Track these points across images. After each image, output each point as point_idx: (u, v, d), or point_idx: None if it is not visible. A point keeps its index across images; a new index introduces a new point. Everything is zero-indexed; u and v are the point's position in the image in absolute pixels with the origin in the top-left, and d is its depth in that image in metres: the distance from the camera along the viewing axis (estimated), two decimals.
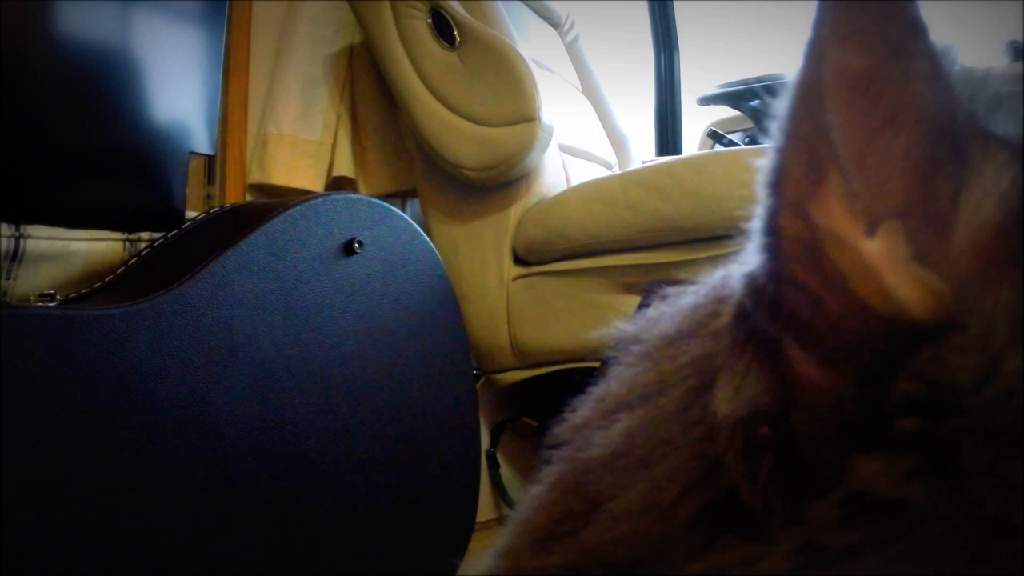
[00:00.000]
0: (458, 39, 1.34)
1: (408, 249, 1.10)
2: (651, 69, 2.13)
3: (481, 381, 1.38)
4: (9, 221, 0.84)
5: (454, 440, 1.15)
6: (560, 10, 1.91)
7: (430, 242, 1.17)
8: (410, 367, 1.07)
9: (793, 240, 0.13)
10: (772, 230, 0.13)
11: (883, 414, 0.12)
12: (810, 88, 0.13)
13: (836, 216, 0.12)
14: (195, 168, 1.25)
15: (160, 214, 1.01)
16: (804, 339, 0.13)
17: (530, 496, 0.20)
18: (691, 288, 0.20)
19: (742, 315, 0.14)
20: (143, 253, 0.95)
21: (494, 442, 1.46)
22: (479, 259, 1.36)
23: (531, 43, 1.65)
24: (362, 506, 0.98)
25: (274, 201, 1.04)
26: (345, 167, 1.48)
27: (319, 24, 1.47)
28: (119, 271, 0.93)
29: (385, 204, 1.09)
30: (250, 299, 0.88)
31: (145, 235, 0.99)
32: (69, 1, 0.91)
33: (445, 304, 1.16)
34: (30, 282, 0.87)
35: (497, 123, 1.29)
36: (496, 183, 1.33)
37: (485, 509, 1.33)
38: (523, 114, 1.28)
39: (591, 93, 1.90)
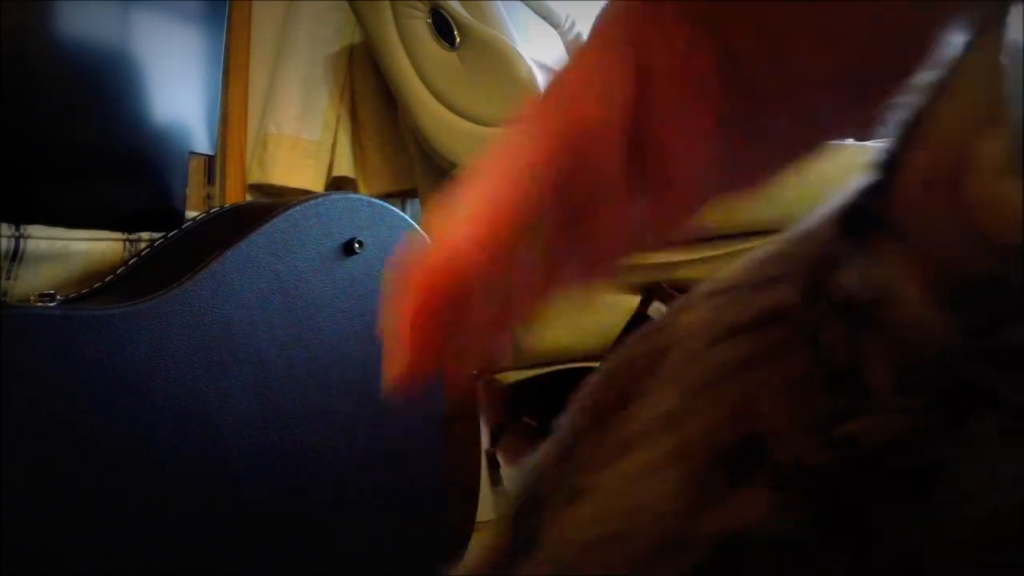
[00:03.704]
0: (458, 39, 1.34)
1: None
2: None
3: (481, 381, 1.38)
4: (9, 221, 0.84)
5: (454, 440, 1.15)
6: (560, 10, 1.91)
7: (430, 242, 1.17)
8: None
9: (921, 171, 0.16)
10: (895, 161, 0.16)
11: (988, 328, 0.15)
12: (992, 57, 0.15)
13: (995, 160, 0.15)
14: (195, 168, 1.25)
15: (160, 214, 1.01)
16: (911, 247, 0.15)
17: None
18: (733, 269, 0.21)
19: (858, 218, 0.16)
20: (143, 253, 0.95)
21: (494, 442, 1.46)
22: None
23: (531, 43, 1.65)
24: (362, 506, 0.98)
25: (274, 201, 1.04)
26: (345, 167, 1.48)
27: (319, 24, 1.47)
28: (119, 271, 0.93)
29: (385, 204, 1.09)
30: (250, 299, 0.88)
31: (145, 235, 0.99)
32: (69, 1, 0.91)
33: None
34: (30, 282, 0.87)
35: (497, 123, 1.29)
36: None
37: (485, 509, 1.33)
38: None
39: None
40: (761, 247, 0.21)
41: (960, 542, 0.14)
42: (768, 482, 0.16)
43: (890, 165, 0.17)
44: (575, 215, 0.18)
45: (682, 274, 1.13)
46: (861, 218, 0.17)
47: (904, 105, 0.17)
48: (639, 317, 1.11)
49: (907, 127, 0.17)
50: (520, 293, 0.20)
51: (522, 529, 0.21)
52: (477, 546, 0.22)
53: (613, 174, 0.18)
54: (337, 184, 1.49)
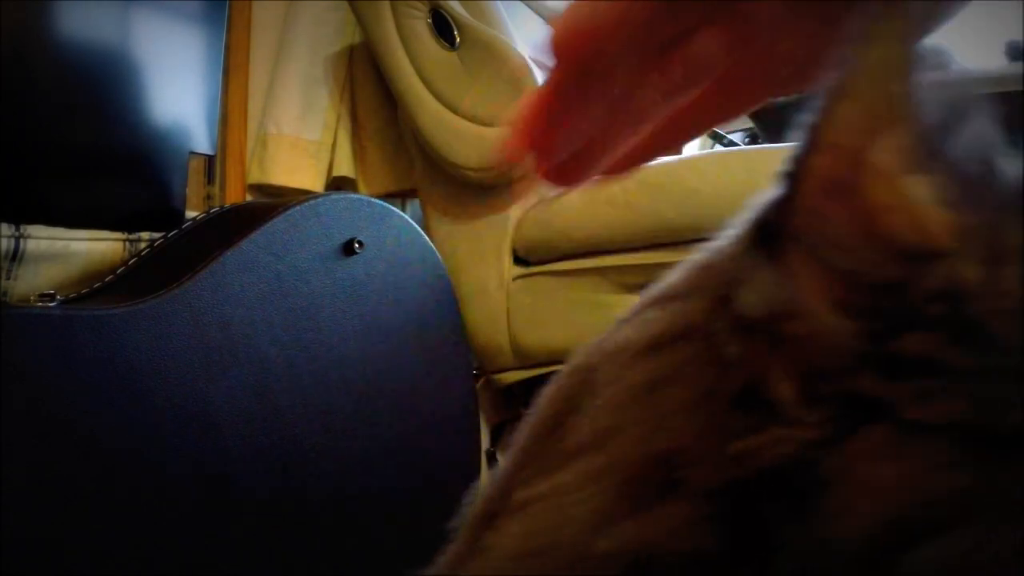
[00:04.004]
0: (458, 39, 1.34)
1: (408, 249, 1.10)
2: None
3: (481, 381, 1.38)
4: (9, 221, 0.84)
5: (454, 440, 1.15)
6: (560, 10, 1.91)
7: (430, 242, 1.17)
8: (410, 367, 1.07)
9: (822, 176, 0.16)
10: (800, 167, 0.16)
11: (883, 336, 0.15)
12: (888, 60, 0.16)
13: (891, 161, 0.15)
14: (195, 168, 1.25)
15: (160, 214, 1.01)
16: (815, 254, 0.16)
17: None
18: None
19: (764, 230, 0.17)
20: (143, 253, 0.95)
21: (494, 442, 1.46)
22: (479, 259, 1.36)
23: (531, 43, 1.65)
24: (362, 506, 0.98)
25: (274, 201, 1.04)
26: (345, 167, 1.48)
27: (319, 24, 1.47)
28: (119, 271, 0.93)
29: (385, 204, 1.09)
30: (250, 299, 0.88)
31: (145, 235, 0.99)
32: (69, 1, 0.91)
33: (445, 304, 1.16)
34: (30, 282, 0.87)
35: (497, 123, 1.29)
36: (496, 183, 1.33)
37: None
38: None
39: None
40: (688, 257, 0.21)
41: (843, 555, 0.14)
42: (679, 499, 0.16)
43: (794, 173, 0.17)
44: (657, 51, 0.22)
45: None
46: (767, 229, 0.17)
47: (809, 109, 0.17)
48: None
49: (808, 132, 0.17)
50: (619, 115, 0.25)
51: (476, 538, 0.21)
52: (448, 551, 0.23)
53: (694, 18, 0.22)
54: (337, 184, 1.49)
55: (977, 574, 0.13)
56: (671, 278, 0.21)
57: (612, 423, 0.19)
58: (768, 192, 0.18)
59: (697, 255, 0.21)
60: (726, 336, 0.17)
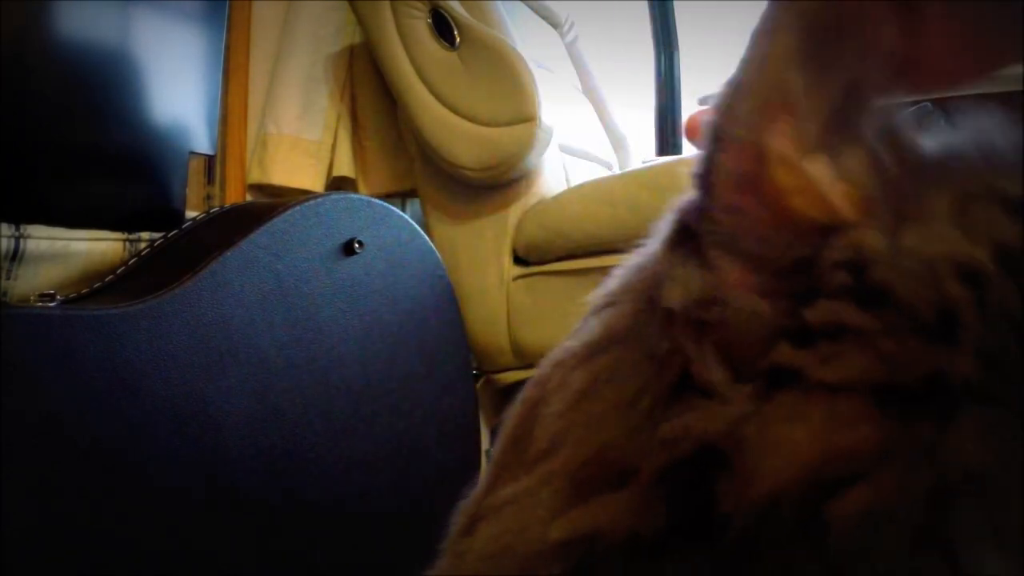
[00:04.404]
0: (458, 39, 1.34)
1: (408, 249, 1.10)
2: (651, 69, 2.13)
3: (481, 381, 1.38)
4: (9, 221, 0.84)
5: (454, 440, 1.15)
6: (560, 10, 1.91)
7: (430, 242, 1.17)
8: (410, 367, 1.07)
9: (732, 172, 0.17)
10: (710, 167, 0.17)
11: (795, 310, 0.16)
12: (771, 55, 0.17)
13: (787, 146, 0.16)
14: (195, 168, 1.25)
15: (160, 214, 1.01)
16: (732, 248, 0.17)
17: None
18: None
19: (682, 234, 0.18)
20: (143, 253, 0.95)
21: (494, 442, 1.46)
22: (479, 259, 1.36)
23: (531, 43, 1.65)
24: (361, 506, 0.98)
25: (274, 201, 1.04)
26: (345, 167, 1.48)
27: (319, 24, 1.47)
28: (119, 271, 0.93)
29: (385, 204, 1.09)
30: (250, 299, 0.88)
31: (145, 235, 0.99)
32: (69, 1, 0.91)
33: (445, 304, 1.16)
34: (30, 282, 0.87)
35: (497, 123, 1.29)
36: (496, 183, 1.33)
37: None
38: (523, 114, 1.28)
39: (591, 93, 1.90)
40: (622, 263, 0.22)
41: (773, 517, 0.15)
42: (626, 487, 0.17)
43: (705, 173, 0.18)
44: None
45: None
46: (686, 229, 0.18)
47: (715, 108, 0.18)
48: None
49: (712, 131, 0.18)
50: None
51: (456, 546, 0.23)
52: (435, 565, 0.24)
53: None
54: (337, 184, 1.49)
55: (895, 519, 0.14)
56: (608, 285, 0.22)
57: (560, 428, 0.19)
58: (685, 194, 0.19)
59: (629, 260, 0.22)
60: (657, 334, 0.18)
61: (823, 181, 0.16)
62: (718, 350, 0.17)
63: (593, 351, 0.20)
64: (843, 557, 0.14)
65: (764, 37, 0.17)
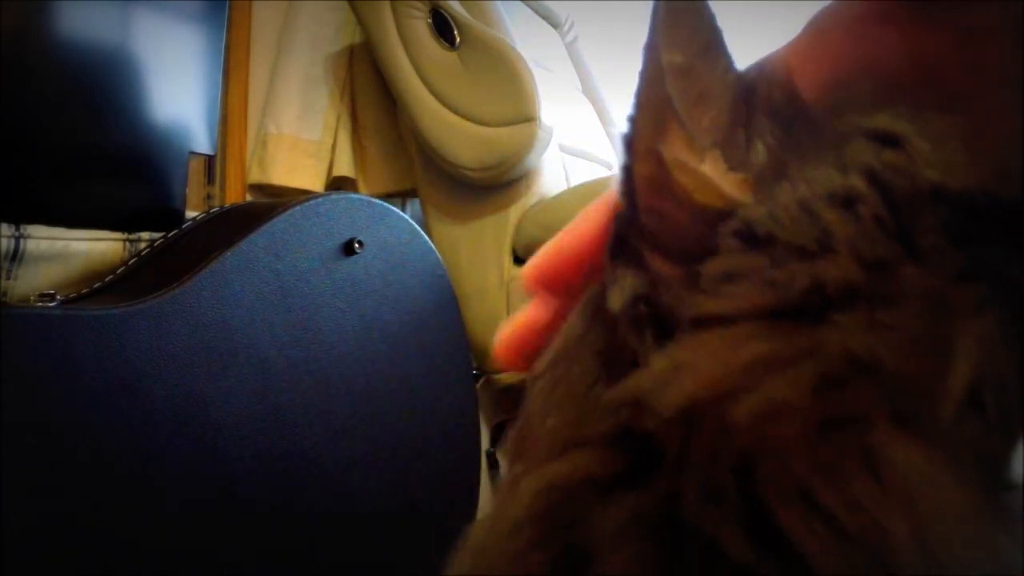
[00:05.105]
0: (458, 39, 1.34)
1: (408, 249, 1.10)
2: None
3: (481, 381, 1.38)
4: (9, 221, 0.84)
5: (454, 440, 1.15)
6: (560, 10, 1.91)
7: (430, 242, 1.17)
8: (410, 367, 1.07)
9: (645, 180, 0.20)
10: (629, 178, 0.20)
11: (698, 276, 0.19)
12: (654, 74, 0.20)
13: (680, 152, 0.19)
14: (195, 168, 1.25)
15: (160, 214, 1.01)
16: (659, 246, 0.19)
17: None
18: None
19: (618, 243, 0.20)
20: (143, 253, 0.95)
21: (494, 442, 1.46)
22: (479, 259, 1.36)
23: (531, 43, 1.65)
24: (361, 506, 0.98)
25: (274, 201, 1.04)
26: (345, 167, 1.48)
27: (319, 24, 1.47)
28: (119, 271, 0.93)
29: (385, 204, 1.09)
30: (250, 299, 0.88)
31: (145, 235, 0.99)
32: (69, 1, 0.91)
33: (445, 304, 1.16)
34: (30, 282, 0.87)
35: (497, 123, 1.29)
36: (496, 183, 1.33)
37: (485, 509, 1.33)
38: (523, 114, 1.28)
39: (591, 93, 1.90)
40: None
41: (696, 436, 0.17)
42: (583, 446, 0.19)
43: (627, 183, 0.20)
44: None
45: None
46: (621, 239, 0.20)
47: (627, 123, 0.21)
48: None
49: (625, 144, 0.20)
50: None
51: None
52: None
53: None
54: (337, 184, 1.49)
55: (789, 413, 0.16)
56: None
57: (530, 427, 0.22)
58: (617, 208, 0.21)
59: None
60: (604, 336, 0.20)
61: (716, 176, 0.19)
62: (647, 326, 0.19)
63: (554, 360, 0.22)
64: (750, 458, 0.16)
65: (649, 52, 0.20)
